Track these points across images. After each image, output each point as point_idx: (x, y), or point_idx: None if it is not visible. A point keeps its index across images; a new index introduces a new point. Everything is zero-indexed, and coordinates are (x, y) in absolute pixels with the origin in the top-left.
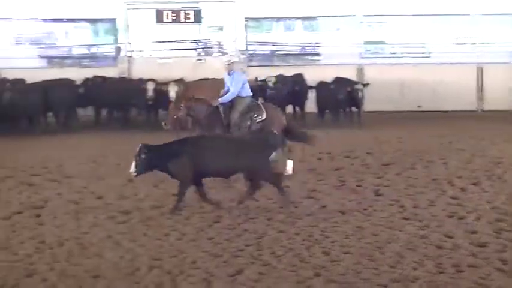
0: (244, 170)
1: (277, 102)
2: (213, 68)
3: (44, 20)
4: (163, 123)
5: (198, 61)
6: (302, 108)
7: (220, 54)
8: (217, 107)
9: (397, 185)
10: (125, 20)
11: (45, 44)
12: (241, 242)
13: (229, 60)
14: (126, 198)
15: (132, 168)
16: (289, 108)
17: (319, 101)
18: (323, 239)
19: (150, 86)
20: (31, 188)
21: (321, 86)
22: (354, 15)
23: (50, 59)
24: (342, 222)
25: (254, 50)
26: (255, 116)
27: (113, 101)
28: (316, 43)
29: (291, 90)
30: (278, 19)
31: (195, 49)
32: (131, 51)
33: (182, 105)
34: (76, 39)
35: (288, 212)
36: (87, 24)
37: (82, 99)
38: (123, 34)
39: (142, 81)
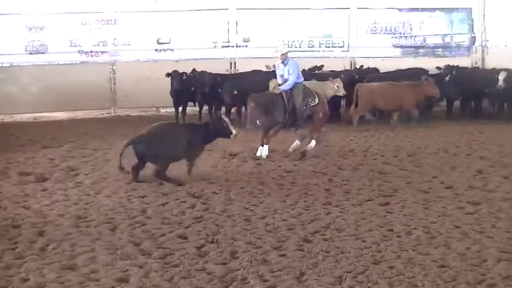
0: None
1: None
2: None
3: (400, 9)
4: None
5: None
6: None
7: None
8: (280, 94)
9: None
10: (482, 9)
11: (399, 33)
12: None
13: (282, 51)
14: (475, 189)
15: None
16: None
17: None
18: None
19: (501, 76)
20: (382, 176)
21: None
22: None
23: (404, 48)
24: None
25: None
26: (310, 100)
27: (466, 91)
28: None
29: None
30: None
31: None
32: (486, 40)
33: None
34: (430, 28)
35: None
36: (442, 14)
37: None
38: (478, 23)
39: (495, 71)
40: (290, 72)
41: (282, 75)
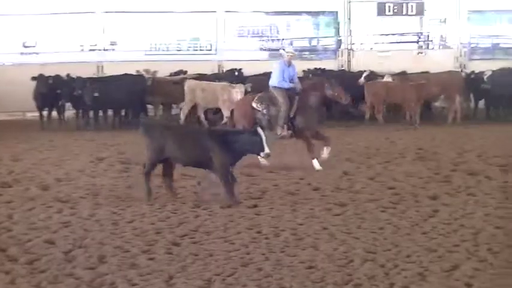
0: None
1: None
2: (434, 61)
3: (267, 13)
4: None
5: (419, 54)
6: None
7: (442, 47)
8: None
9: None
10: (347, 13)
11: (266, 36)
12: (457, 237)
13: (292, 52)
14: (342, 190)
15: None
16: None
17: None
18: None
19: (364, 74)
20: (250, 178)
21: None
22: None
23: (271, 52)
24: None
25: (476, 43)
26: None
27: None
28: None
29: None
30: (501, 12)
31: (416, 42)
32: (352, 44)
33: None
34: (297, 31)
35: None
36: (309, 17)
37: None
38: (344, 27)
39: (362, 74)
40: (295, 75)
41: (288, 76)
